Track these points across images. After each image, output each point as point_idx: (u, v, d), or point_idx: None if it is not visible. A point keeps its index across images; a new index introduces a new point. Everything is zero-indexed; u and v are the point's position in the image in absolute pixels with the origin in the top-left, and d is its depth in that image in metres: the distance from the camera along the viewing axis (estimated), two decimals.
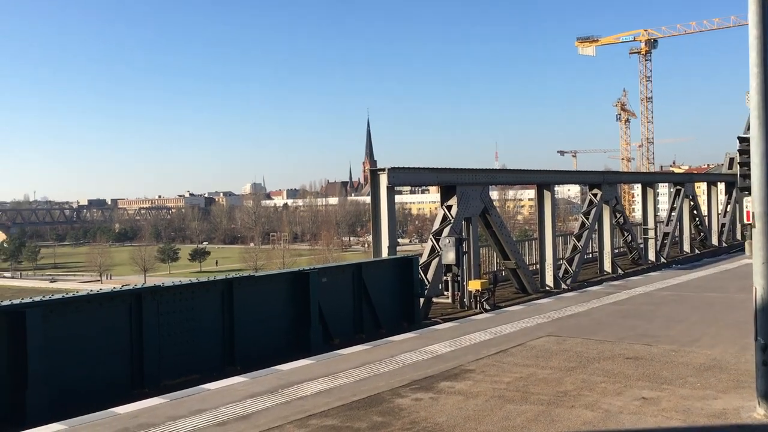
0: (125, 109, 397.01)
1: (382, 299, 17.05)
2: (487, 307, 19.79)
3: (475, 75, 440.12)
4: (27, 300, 10.81)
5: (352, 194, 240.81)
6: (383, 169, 19.56)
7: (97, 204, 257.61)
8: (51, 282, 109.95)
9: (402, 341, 12.61)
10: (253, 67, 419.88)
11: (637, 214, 54.02)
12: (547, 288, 25.09)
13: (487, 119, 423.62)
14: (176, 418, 8.00)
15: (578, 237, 28.05)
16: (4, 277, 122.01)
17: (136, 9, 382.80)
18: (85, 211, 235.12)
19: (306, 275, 14.91)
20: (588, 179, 30.57)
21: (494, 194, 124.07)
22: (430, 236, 21.48)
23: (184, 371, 12.66)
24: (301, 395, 8.84)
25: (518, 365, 10.26)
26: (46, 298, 11.13)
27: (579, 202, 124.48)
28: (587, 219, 28.54)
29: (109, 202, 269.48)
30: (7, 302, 10.58)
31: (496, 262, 25.57)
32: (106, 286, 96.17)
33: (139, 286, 12.97)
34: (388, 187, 19.36)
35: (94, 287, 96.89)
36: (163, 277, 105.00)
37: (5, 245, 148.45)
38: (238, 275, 14.17)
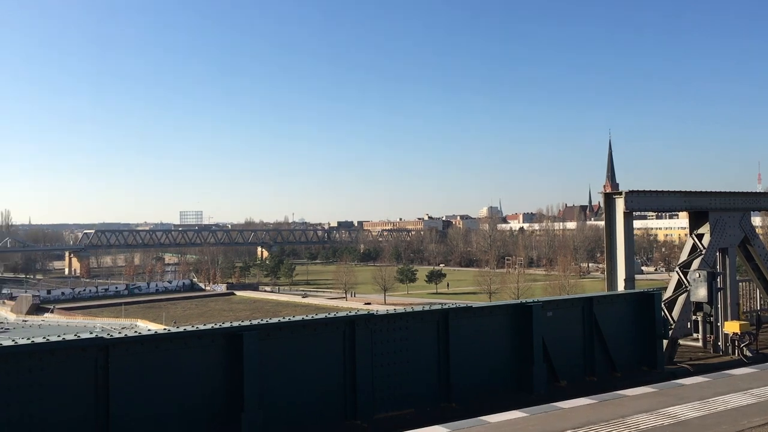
0: (370, 137, 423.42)
1: (616, 339, 15.16)
2: (748, 354, 16.77)
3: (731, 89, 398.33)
4: (245, 323, 11.04)
5: (592, 218, 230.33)
6: (620, 193, 17.59)
7: (345, 225, 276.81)
8: (303, 297, 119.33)
9: (636, 397, 10.67)
10: (487, 93, 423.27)
11: None
12: None
13: (746, 135, 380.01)
14: None
15: None
16: (265, 290, 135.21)
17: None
18: (334, 232, 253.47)
19: (529, 308, 13.67)
20: None
21: (756, 220, 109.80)
22: (677, 269, 18.89)
23: (397, 405, 12.13)
24: None
25: None
26: (263, 321, 11.28)
27: None
28: None
29: (356, 224, 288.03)
30: (227, 324, 10.89)
31: (760, 301, 21.85)
32: (351, 303, 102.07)
33: (353, 313, 12.79)
34: (625, 212, 17.35)
35: (340, 304, 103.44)
36: (401, 297, 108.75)
37: (267, 262, 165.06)
38: (455, 305, 13.37)
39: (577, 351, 14.59)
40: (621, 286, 17.40)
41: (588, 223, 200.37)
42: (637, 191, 17.69)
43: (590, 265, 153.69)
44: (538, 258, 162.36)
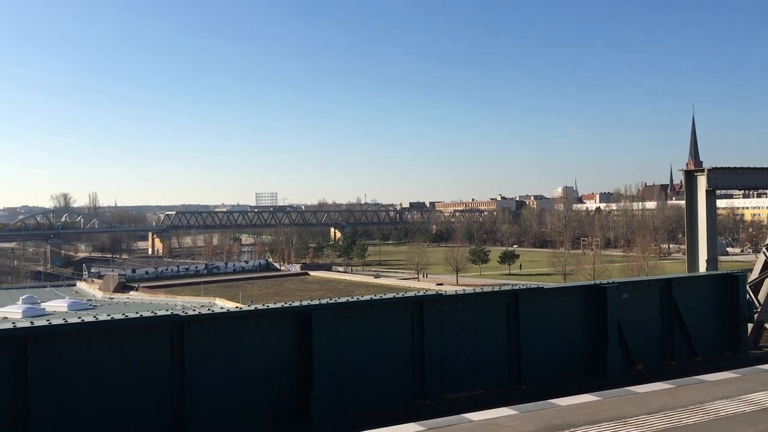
0: (444, 118, 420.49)
1: (697, 322, 14.57)
2: None
3: None
4: (315, 302, 11.18)
5: (673, 198, 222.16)
6: (701, 170, 16.82)
7: (417, 207, 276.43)
8: (375, 277, 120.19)
9: (716, 383, 10.16)
10: (562, 71, 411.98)
11: None
12: None
13: None
14: None
15: None
16: (338, 271, 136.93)
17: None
18: (406, 213, 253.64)
19: (603, 290, 13.29)
20: None
21: None
22: (763, 249, 17.94)
23: (467, 385, 12.06)
24: None
25: None
26: (332, 301, 11.40)
27: None
28: None
29: (428, 205, 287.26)
30: (296, 303, 11.06)
31: None
32: (422, 284, 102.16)
33: (421, 293, 12.75)
34: (707, 190, 16.56)
35: (412, 284, 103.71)
36: (473, 278, 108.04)
37: (340, 243, 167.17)
38: (525, 286, 13.14)
39: (654, 334, 14.13)
40: (702, 268, 16.67)
41: (669, 202, 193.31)
42: (721, 168, 16.84)
43: (671, 246, 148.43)
44: (616, 239, 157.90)
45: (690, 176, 17.33)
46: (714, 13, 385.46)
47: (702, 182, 16.71)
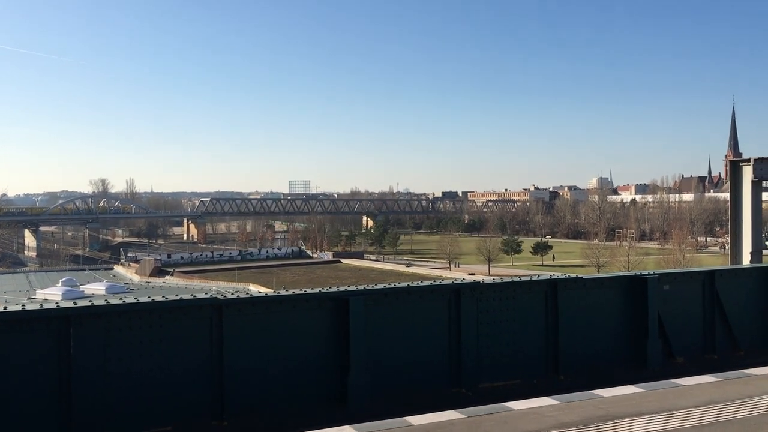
0: (476, 106, 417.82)
1: (741, 316, 14.23)
2: None
3: None
4: (352, 288, 11.17)
5: (711, 190, 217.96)
6: (747, 160, 16.38)
7: (450, 196, 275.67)
8: (407, 266, 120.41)
9: (765, 377, 9.90)
10: (596, 59, 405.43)
11: None
12: None
13: None
14: None
15: None
16: (370, 259, 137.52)
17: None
18: (438, 202, 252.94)
19: (644, 281, 13.03)
20: None
21: None
22: None
23: (503, 375, 11.96)
24: None
25: None
26: (369, 287, 11.37)
27: None
28: None
29: (460, 195, 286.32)
30: (333, 289, 11.06)
31: None
32: (454, 273, 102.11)
33: (459, 281, 12.66)
34: (753, 181, 16.15)
35: (444, 274, 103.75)
36: (505, 269, 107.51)
37: (372, 231, 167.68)
38: (564, 276, 12.95)
39: (695, 327, 13.84)
40: (747, 260, 16.27)
41: (707, 195, 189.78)
42: None
43: (708, 239, 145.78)
44: (651, 231, 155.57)
45: (735, 166, 16.91)
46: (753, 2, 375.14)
47: (748, 172, 16.29)
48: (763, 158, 16.39)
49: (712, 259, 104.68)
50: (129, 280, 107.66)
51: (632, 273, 13.66)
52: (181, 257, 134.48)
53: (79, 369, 8.75)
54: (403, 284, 11.80)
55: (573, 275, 13.09)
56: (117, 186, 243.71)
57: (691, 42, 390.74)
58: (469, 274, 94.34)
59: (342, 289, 11.04)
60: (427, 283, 12.02)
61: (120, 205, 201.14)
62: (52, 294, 74.23)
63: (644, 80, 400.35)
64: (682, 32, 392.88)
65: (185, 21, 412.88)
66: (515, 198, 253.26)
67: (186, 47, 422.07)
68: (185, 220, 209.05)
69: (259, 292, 14.19)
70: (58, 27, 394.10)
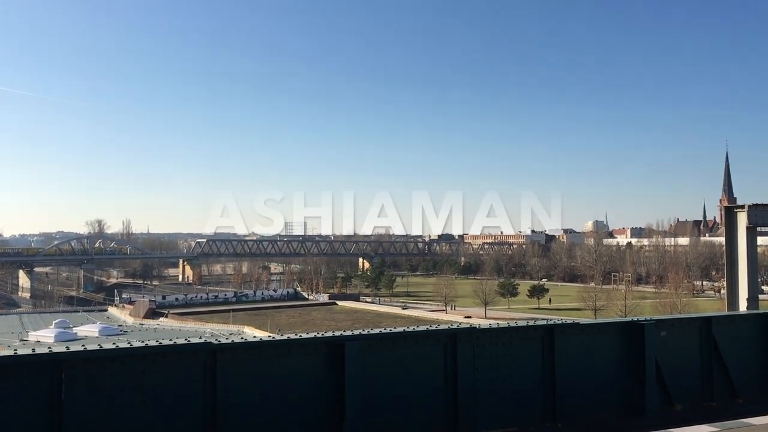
0: (474, 152, 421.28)
1: (739, 362, 14.15)
2: None
3: None
4: (347, 333, 11.10)
5: (706, 234, 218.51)
6: (742, 207, 16.51)
7: (446, 238, 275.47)
8: (403, 309, 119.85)
9: (764, 427, 9.82)
10: (592, 104, 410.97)
11: None
12: None
13: None
14: None
15: None
16: (366, 301, 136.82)
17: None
18: (435, 244, 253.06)
19: (641, 326, 12.99)
20: None
21: None
22: None
23: (500, 422, 11.82)
24: None
25: None
26: (365, 332, 11.31)
27: None
28: None
29: (456, 237, 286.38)
30: (329, 334, 11.00)
31: None
32: (451, 316, 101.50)
33: (454, 326, 12.59)
34: (748, 227, 16.25)
35: (440, 317, 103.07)
36: (502, 312, 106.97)
37: (368, 273, 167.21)
38: (561, 321, 12.92)
39: (693, 374, 13.74)
40: (743, 306, 16.26)
41: (702, 239, 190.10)
42: (763, 204, 16.52)
43: (704, 283, 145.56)
44: (647, 274, 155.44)
45: (729, 212, 17.04)
46: (748, 47, 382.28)
47: (742, 219, 16.41)
48: (757, 204, 16.53)
49: (709, 303, 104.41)
50: (123, 322, 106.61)
51: (629, 319, 13.62)
52: (176, 299, 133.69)
53: (70, 414, 8.65)
54: (399, 329, 11.72)
55: (570, 320, 13.05)
56: (113, 227, 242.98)
57: (685, 87, 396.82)
58: (466, 317, 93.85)
59: (338, 333, 10.98)
60: (423, 327, 11.92)
61: (116, 245, 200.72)
62: (44, 336, 73.42)
63: (638, 125, 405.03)
64: (677, 77, 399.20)
65: (184, 60, 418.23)
66: (511, 241, 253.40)
67: (184, 89, 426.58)
68: (181, 261, 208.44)
69: (254, 336, 14.06)
70: (54, 68, 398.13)
